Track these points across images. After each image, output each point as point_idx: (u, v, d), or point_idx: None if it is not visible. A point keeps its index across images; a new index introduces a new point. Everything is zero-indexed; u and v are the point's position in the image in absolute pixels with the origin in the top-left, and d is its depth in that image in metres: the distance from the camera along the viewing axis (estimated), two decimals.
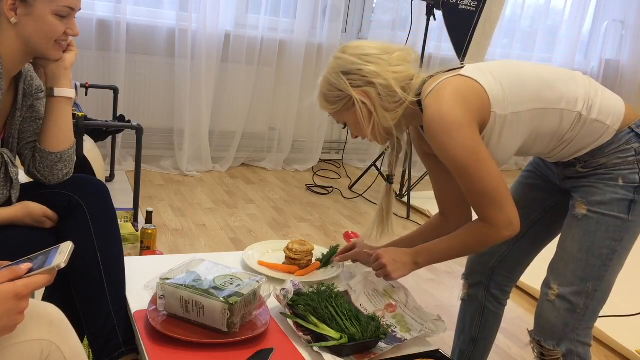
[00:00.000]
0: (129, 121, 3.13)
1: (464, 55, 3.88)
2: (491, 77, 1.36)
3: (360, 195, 3.99)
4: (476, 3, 3.82)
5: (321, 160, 4.67)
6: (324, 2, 4.34)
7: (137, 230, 2.47)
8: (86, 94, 3.49)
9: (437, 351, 1.43)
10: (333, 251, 1.80)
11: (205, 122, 4.11)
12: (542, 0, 5.16)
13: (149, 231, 2.44)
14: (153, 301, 1.43)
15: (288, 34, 4.31)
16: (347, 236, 2.49)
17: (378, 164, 4.07)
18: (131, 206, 2.83)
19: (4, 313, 0.90)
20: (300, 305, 1.44)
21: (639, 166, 1.36)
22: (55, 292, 1.56)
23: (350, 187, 4.15)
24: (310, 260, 1.75)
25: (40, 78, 1.55)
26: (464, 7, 3.81)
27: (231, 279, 1.42)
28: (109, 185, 2.49)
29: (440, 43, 4.70)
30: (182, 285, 1.36)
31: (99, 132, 3.29)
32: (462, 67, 1.41)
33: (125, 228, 2.42)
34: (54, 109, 1.50)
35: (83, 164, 2.55)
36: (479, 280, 1.73)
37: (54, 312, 1.06)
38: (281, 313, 1.46)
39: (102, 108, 3.80)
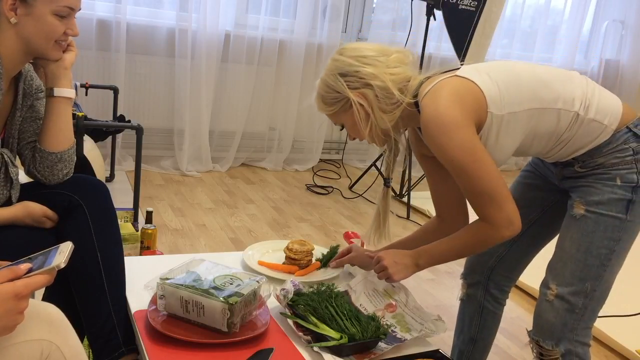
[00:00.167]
0: (129, 121, 3.14)
1: (464, 56, 3.88)
2: (487, 78, 1.37)
3: (360, 195, 3.99)
4: (476, 3, 3.82)
5: (321, 160, 4.68)
6: (324, 2, 4.34)
7: (137, 230, 2.47)
8: (86, 94, 3.50)
9: (437, 351, 1.43)
10: (333, 251, 1.80)
11: (205, 122, 4.11)
12: (542, 0, 5.16)
13: (149, 231, 2.44)
14: (153, 301, 1.43)
15: (288, 34, 4.31)
16: (347, 236, 2.49)
17: (378, 164, 4.07)
18: (131, 206, 2.83)
19: (3, 313, 0.91)
20: (300, 305, 1.44)
21: (636, 166, 1.37)
22: (55, 292, 1.56)
23: (350, 187, 4.15)
24: (310, 260, 1.75)
25: (40, 78, 1.55)
26: (464, 7, 3.81)
27: (231, 279, 1.43)
28: (109, 185, 2.49)
29: (440, 43, 4.71)
30: (182, 285, 1.36)
31: (99, 132, 3.29)
32: (458, 68, 1.41)
33: (125, 228, 2.43)
34: (54, 109, 1.51)
35: (83, 164, 2.55)
36: (478, 280, 1.73)
37: (54, 312, 1.06)
38: (281, 313, 1.46)
39: (102, 108, 3.80)
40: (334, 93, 1.44)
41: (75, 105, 2.97)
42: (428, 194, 1.68)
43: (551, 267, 1.46)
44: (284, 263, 1.75)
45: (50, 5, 1.37)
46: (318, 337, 1.38)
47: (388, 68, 1.41)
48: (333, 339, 1.35)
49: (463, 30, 3.87)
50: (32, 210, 1.48)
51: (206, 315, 1.34)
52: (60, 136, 1.52)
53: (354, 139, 1.52)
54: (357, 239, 2.22)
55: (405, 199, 3.78)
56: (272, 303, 1.48)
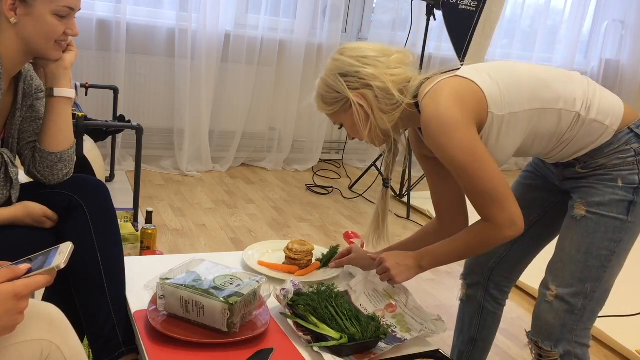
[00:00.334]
0: (129, 121, 3.14)
1: (464, 56, 3.88)
2: (488, 78, 1.37)
3: (360, 195, 3.99)
4: (476, 3, 3.82)
5: (321, 160, 4.67)
6: (324, 2, 4.34)
7: (137, 230, 2.47)
8: (86, 94, 3.50)
9: (437, 351, 1.43)
10: (333, 251, 1.80)
11: (205, 122, 4.11)
12: (542, 0, 5.16)
13: (149, 231, 2.44)
14: (153, 301, 1.43)
15: (288, 34, 4.31)
16: (347, 236, 2.49)
17: (378, 164, 4.07)
18: (131, 206, 2.83)
19: (3, 313, 0.90)
20: (300, 305, 1.44)
21: (638, 167, 1.36)
22: (55, 292, 1.56)
23: (350, 187, 4.15)
24: (310, 260, 1.75)
25: (40, 78, 1.55)
26: (464, 7, 3.81)
27: (231, 279, 1.43)
28: (109, 185, 2.49)
29: (440, 43, 4.71)
30: (182, 285, 1.36)
31: (99, 132, 3.29)
32: (458, 68, 1.41)
33: (125, 228, 2.43)
34: (54, 109, 1.51)
35: (83, 164, 2.55)
36: (478, 281, 1.73)
37: (54, 312, 1.06)
38: (281, 313, 1.46)
39: (102, 108, 3.80)
40: (334, 93, 1.43)
41: (75, 105, 2.97)
42: (428, 194, 1.68)
43: (551, 268, 1.46)
44: (284, 263, 1.75)
45: (50, 5, 1.37)
46: (318, 337, 1.38)
47: (389, 69, 1.41)
48: (333, 339, 1.35)
49: (463, 30, 3.87)
50: (32, 210, 1.48)
51: (206, 315, 1.34)
52: (60, 136, 1.52)
53: (353, 138, 1.52)
54: (357, 239, 2.21)
55: (405, 199, 3.78)
56: (272, 303, 1.48)
